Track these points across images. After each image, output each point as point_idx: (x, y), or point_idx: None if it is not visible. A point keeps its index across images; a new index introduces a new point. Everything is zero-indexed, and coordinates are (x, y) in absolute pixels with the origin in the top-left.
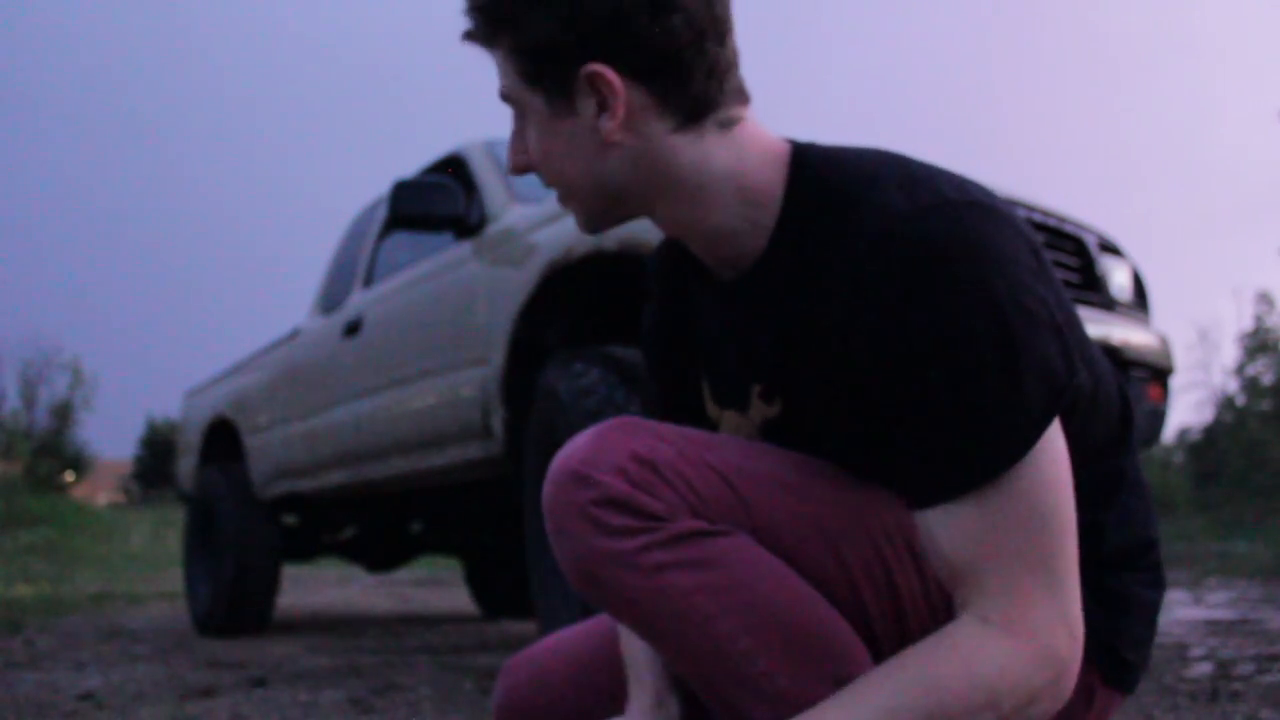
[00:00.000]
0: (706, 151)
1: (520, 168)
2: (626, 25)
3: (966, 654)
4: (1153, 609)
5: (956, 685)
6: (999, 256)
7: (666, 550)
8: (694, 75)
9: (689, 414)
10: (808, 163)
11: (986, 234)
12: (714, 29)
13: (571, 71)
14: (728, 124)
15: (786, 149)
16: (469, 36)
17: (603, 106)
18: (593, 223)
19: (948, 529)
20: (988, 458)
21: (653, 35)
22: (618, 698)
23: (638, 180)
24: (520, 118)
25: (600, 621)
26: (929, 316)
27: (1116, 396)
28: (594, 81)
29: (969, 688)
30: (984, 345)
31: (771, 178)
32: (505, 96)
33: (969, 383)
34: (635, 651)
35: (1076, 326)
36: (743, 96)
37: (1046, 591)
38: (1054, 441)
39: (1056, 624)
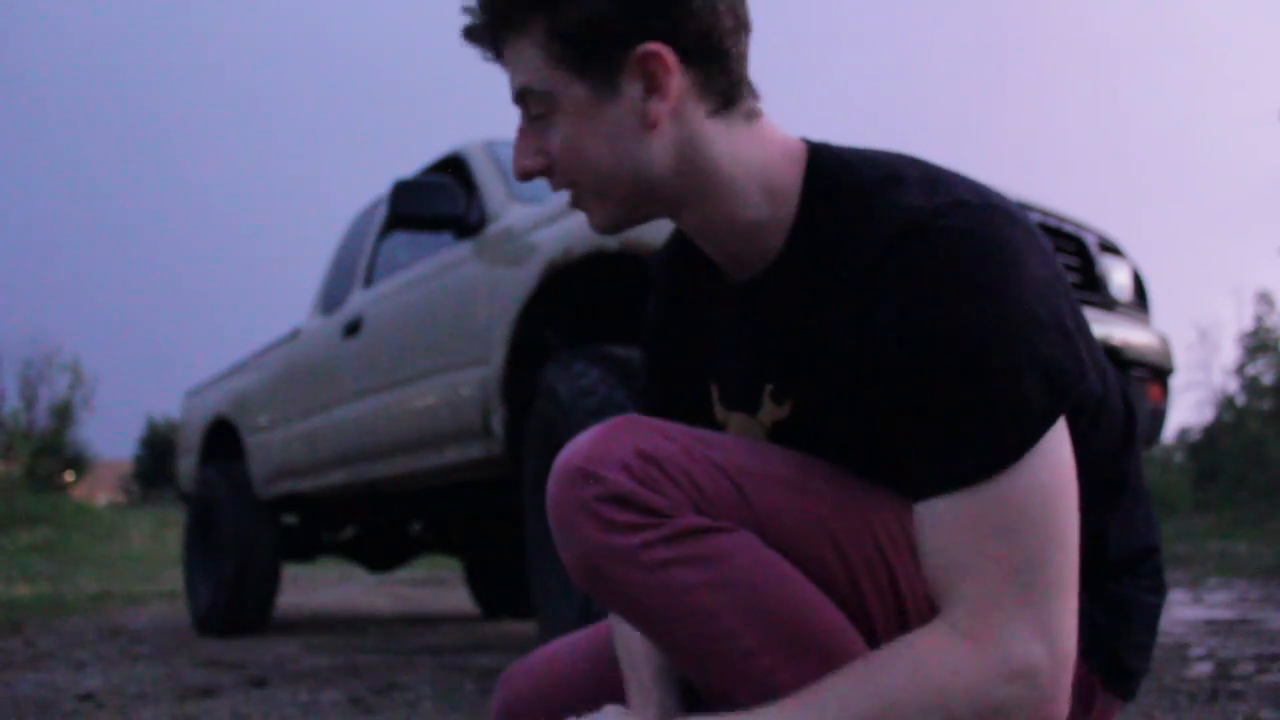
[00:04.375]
0: (735, 142)
1: (533, 171)
2: (680, 3)
3: (920, 658)
4: (1154, 614)
5: (905, 691)
6: (1013, 258)
7: (669, 546)
8: (732, 59)
9: (688, 415)
10: (824, 162)
11: (1001, 235)
12: (744, 15)
13: (621, 52)
14: (752, 115)
15: (803, 148)
16: (476, 32)
17: (651, 89)
18: (618, 220)
19: (935, 524)
20: (982, 455)
21: (702, 15)
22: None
23: (675, 169)
24: (538, 116)
25: (599, 629)
26: (937, 312)
27: (1121, 403)
28: (646, 62)
29: (919, 693)
30: (988, 343)
31: (790, 176)
32: (525, 92)
33: (971, 380)
34: (633, 652)
35: (1088, 333)
36: (756, 91)
37: (1025, 603)
38: (1056, 450)
39: (1031, 638)
